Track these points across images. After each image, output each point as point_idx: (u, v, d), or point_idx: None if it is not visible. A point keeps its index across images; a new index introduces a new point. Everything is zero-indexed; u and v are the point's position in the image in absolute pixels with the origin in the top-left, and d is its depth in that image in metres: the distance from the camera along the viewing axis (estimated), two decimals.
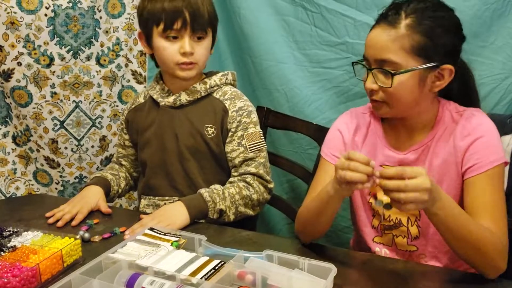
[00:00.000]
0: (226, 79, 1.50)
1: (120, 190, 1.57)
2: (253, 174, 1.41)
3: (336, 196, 1.06)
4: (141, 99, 1.57)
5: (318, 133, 1.57)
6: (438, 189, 0.97)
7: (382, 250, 1.28)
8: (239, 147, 1.42)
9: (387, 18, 1.10)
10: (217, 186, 1.38)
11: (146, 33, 1.42)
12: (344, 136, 1.28)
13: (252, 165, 1.41)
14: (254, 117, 1.46)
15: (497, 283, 1.03)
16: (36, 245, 1.06)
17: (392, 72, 1.08)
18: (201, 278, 0.95)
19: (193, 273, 0.96)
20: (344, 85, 1.80)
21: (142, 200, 1.54)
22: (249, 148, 1.42)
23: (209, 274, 0.96)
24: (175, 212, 1.29)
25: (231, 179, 1.43)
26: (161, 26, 1.36)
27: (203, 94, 1.45)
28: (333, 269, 0.96)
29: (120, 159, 1.64)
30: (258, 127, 1.46)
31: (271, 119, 1.74)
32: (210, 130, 1.43)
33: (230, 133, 1.43)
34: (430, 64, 1.09)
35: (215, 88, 1.47)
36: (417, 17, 1.07)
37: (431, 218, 1.00)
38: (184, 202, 1.31)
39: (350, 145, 1.28)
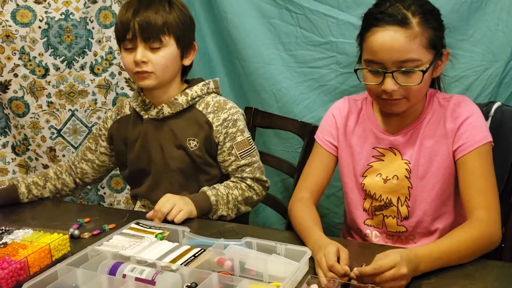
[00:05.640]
0: (208, 88, 1.49)
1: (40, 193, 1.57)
2: (251, 179, 1.46)
3: None
4: (127, 110, 1.57)
5: (303, 129, 1.61)
6: (414, 258, 0.97)
7: (372, 232, 1.33)
8: (230, 157, 1.45)
9: (395, 19, 1.12)
10: (222, 189, 1.41)
11: (118, 44, 1.47)
12: (337, 121, 1.36)
13: (247, 170, 1.46)
14: (241, 124, 1.47)
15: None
16: (26, 241, 1.11)
17: (424, 70, 1.13)
18: (181, 265, 0.98)
19: (173, 260, 1.00)
20: (330, 83, 1.84)
21: (138, 201, 1.59)
22: (240, 156, 1.45)
23: (188, 260, 1.00)
24: (188, 203, 1.33)
25: (233, 179, 1.47)
26: (119, 38, 1.42)
27: (184, 106, 1.46)
28: (307, 252, 1.00)
29: (80, 162, 1.61)
30: (246, 134, 1.47)
31: (259, 119, 1.78)
32: (193, 143, 1.45)
33: (219, 146, 1.46)
34: (439, 53, 1.18)
35: (196, 99, 1.47)
36: (423, 14, 1.13)
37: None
38: (192, 200, 1.35)
39: (342, 130, 1.34)
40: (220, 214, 1.39)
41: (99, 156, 1.61)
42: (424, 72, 1.13)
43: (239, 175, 1.46)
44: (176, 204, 1.30)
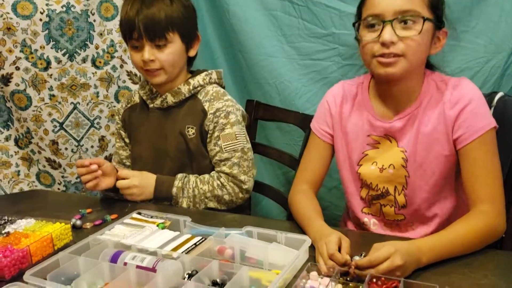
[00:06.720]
0: (210, 78, 1.52)
1: None
2: (227, 174, 1.44)
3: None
4: (136, 99, 1.61)
5: (305, 122, 1.60)
6: (416, 251, 0.97)
7: (370, 221, 1.32)
8: (215, 147, 1.46)
9: None
10: (191, 182, 1.43)
11: (124, 40, 1.49)
12: (331, 109, 1.33)
13: (226, 165, 1.44)
14: (233, 117, 1.47)
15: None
16: (28, 230, 1.11)
17: (424, 17, 1.10)
18: (182, 253, 0.98)
19: (174, 249, 1.00)
20: (332, 75, 1.83)
21: None
22: (224, 148, 1.45)
23: (189, 249, 1.00)
24: (146, 187, 1.42)
25: (212, 173, 1.48)
26: (125, 36, 1.44)
27: (187, 95, 1.48)
28: (307, 240, 1.00)
29: (124, 161, 1.66)
30: (235, 128, 1.46)
31: (261, 112, 1.78)
32: (191, 131, 1.47)
33: (208, 134, 1.47)
34: (438, 23, 1.15)
35: (198, 88, 1.50)
36: None
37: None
38: (157, 184, 1.42)
39: (338, 117, 1.32)
40: (181, 205, 1.42)
41: (129, 147, 1.64)
42: (425, 20, 1.09)
43: (219, 169, 1.46)
44: (132, 183, 1.40)
